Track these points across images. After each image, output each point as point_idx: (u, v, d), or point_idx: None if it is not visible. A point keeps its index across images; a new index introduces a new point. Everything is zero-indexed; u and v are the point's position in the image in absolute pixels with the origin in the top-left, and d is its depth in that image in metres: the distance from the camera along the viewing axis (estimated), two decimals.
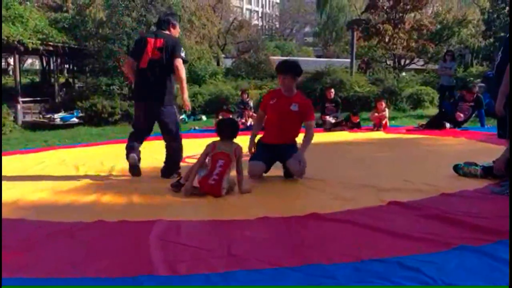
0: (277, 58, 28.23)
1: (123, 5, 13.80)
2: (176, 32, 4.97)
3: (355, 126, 9.52)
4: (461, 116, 8.93)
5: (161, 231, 2.94)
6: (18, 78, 15.93)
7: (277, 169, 4.78)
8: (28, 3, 20.39)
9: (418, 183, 4.15)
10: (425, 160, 5.70)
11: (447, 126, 8.80)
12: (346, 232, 2.88)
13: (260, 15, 68.00)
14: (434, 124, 8.93)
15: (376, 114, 9.42)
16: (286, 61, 4.88)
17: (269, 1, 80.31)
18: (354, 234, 2.83)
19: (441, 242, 2.60)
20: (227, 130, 4.15)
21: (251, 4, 76.68)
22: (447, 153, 6.17)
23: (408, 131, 8.89)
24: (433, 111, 12.49)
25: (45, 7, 22.37)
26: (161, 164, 4.99)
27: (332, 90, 10.76)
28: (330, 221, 3.09)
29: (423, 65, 22.10)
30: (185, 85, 4.73)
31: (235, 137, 4.20)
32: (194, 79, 18.56)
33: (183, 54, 4.73)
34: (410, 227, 2.88)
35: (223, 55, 26.01)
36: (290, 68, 4.61)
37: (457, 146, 6.84)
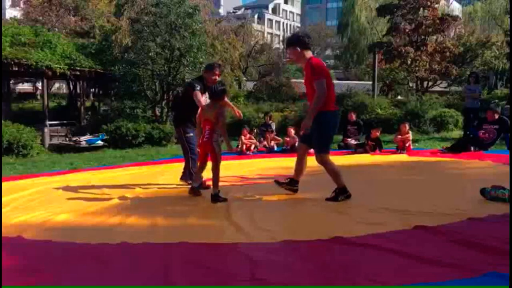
0: (298, 81, 28.38)
1: (148, 31, 14.12)
2: (206, 75, 5.67)
3: (376, 142, 9.41)
4: (485, 135, 8.78)
5: (184, 254, 2.95)
6: (46, 102, 16.34)
7: (303, 192, 4.76)
8: (56, 29, 21.13)
9: (445, 207, 4.07)
10: (451, 184, 5.59)
11: (471, 149, 8.65)
12: (372, 257, 2.83)
13: (281, 38, 68.75)
14: (459, 147, 8.78)
15: (400, 136, 9.33)
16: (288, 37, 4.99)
17: (290, 25, 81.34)
18: (379, 259, 2.78)
19: (470, 268, 2.53)
20: (214, 93, 4.95)
21: (272, 28, 77.77)
22: (474, 176, 6.05)
23: (433, 154, 8.76)
24: (457, 133, 12.32)
25: (73, 33, 23.12)
26: (184, 187, 5.44)
27: (354, 113, 10.72)
28: (355, 246, 3.04)
29: (446, 87, 21.89)
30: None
31: (220, 98, 4.97)
32: None
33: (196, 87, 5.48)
34: (437, 252, 2.82)
35: (244, 78, 26.27)
36: (288, 42, 4.84)
37: (483, 170, 6.70)
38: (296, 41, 4.56)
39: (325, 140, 4.56)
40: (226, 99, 5.66)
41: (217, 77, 5.66)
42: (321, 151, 4.54)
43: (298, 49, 4.50)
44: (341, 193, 4.54)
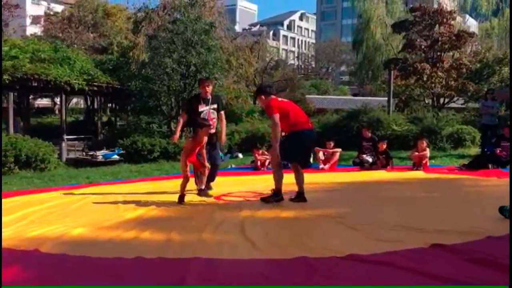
0: (313, 97, 28.42)
1: (164, 47, 14.30)
2: (200, 89, 6.56)
3: (385, 155, 9.34)
4: (502, 152, 8.68)
5: (199, 270, 2.94)
6: (64, 117, 16.63)
7: (317, 208, 4.73)
8: (75, 45, 21.55)
9: (462, 225, 4.01)
10: (469, 202, 5.51)
11: (489, 166, 8.54)
12: (386, 274, 2.80)
13: (296, 55, 69.13)
14: (476, 164, 8.66)
15: (417, 153, 9.23)
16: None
17: (305, 42, 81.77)
18: (394, 277, 2.74)
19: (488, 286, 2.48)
20: None
21: (287, 44, 78.26)
22: (492, 194, 5.96)
23: (450, 171, 8.65)
24: (474, 150, 12.15)
25: (91, 49, 23.57)
26: (198, 201, 5.66)
27: (368, 129, 10.65)
28: (370, 263, 3.01)
29: (463, 104, 21.66)
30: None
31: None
32: (231, 117, 18.85)
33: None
34: (455, 271, 2.77)
35: None
36: (256, 92, 6.06)
37: (502, 187, 6.58)
38: (261, 92, 5.73)
39: (286, 151, 5.46)
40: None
41: (207, 89, 6.32)
42: (282, 158, 5.53)
43: (263, 97, 5.61)
44: (275, 196, 5.43)
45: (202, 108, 6.21)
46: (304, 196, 5.50)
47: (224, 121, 6.53)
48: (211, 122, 6.10)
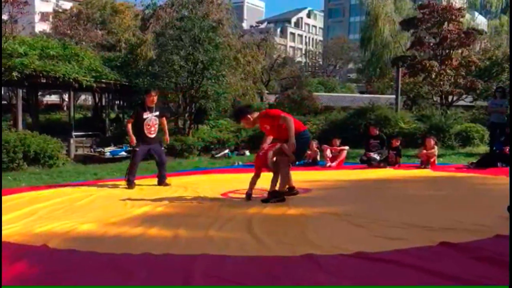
0: (320, 95, 28.30)
1: (172, 44, 14.32)
2: (146, 98, 7.15)
3: (396, 151, 9.32)
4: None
5: (205, 266, 2.95)
6: (72, 114, 16.71)
7: (325, 206, 4.72)
8: (83, 43, 21.64)
9: (470, 223, 3.99)
10: (477, 200, 5.47)
11: (498, 165, 8.47)
12: (392, 272, 2.79)
13: (303, 52, 68.90)
14: (485, 162, 8.61)
15: (425, 151, 9.19)
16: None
17: (312, 39, 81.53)
18: (402, 275, 2.73)
19: (494, 285, 2.47)
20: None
21: (294, 41, 78.07)
22: (501, 192, 5.89)
23: (458, 169, 8.60)
24: (483, 149, 12.08)
25: (99, 46, 23.67)
26: (205, 200, 5.60)
27: (376, 127, 10.60)
28: (377, 261, 3.00)
29: (471, 102, 21.51)
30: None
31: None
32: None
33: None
34: (462, 270, 2.76)
35: (266, 91, 26.34)
36: (238, 116, 5.89)
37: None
38: (246, 112, 5.69)
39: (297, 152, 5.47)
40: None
41: (154, 98, 7.02)
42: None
43: (249, 116, 5.57)
44: (277, 196, 5.35)
45: (147, 115, 6.96)
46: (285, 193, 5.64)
47: (166, 124, 7.38)
48: (153, 128, 7.00)
